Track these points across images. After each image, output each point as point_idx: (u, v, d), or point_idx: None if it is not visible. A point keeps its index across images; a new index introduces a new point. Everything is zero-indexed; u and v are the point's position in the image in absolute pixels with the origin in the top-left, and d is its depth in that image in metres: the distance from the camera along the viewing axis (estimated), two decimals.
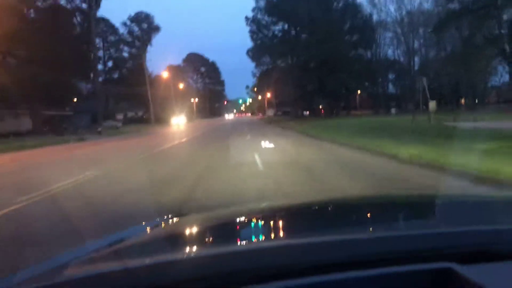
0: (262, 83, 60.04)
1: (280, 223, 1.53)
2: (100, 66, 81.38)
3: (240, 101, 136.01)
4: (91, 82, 44.91)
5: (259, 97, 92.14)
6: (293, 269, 0.88)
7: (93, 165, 10.76)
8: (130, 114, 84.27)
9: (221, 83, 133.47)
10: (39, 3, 35.89)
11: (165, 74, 73.89)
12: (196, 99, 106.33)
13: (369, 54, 54.61)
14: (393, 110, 54.26)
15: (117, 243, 1.32)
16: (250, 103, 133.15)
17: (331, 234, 1.14)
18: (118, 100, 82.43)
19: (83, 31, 44.08)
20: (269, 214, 1.72)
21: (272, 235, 1.34)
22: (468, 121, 19.36)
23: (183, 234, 1.45)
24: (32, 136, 32.90)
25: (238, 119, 75.59)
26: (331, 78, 39.72)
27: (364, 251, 0.95)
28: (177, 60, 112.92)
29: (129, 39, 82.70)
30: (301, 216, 1.65)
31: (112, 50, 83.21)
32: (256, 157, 10.22)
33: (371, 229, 1.29)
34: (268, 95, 76.36)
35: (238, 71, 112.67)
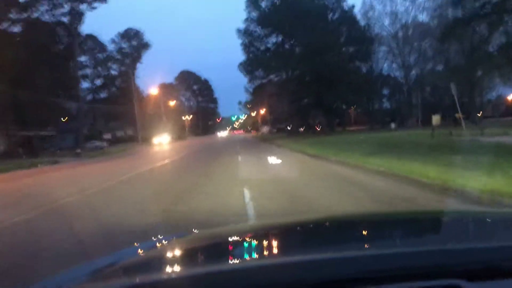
0: (255, 98, 57.49)
1: (282, 240, 1.48)
2: (87, 84, 79.04)
3: (234, 118, 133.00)
4: (73, 100, 41.71)
5: (253, 114, 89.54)
6: (300, 286, 0.89)
7: (16, 206, 7.71)
8: (120, 133, 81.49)
9: (214, 101, 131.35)
10: (12, 15, 33.11)
11: (155, 92, 71.32)
12: (189, 117, 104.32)
13: (364, 68, 52.23)
14: (392, 125, 51.69)
15: (118, 262, 1.32)
16: (243, 120, 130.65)
17: (336, 251, 1.14)
18: (108, 119, 79.85)
19: (65, 47, 41.22)
20: (269, 232, 1.65)
21: (273, 253, 1.30)
22: (498, 136, 16.49)
23: (185, 252, 1.41)
24: (1, 159, 29.70)
25: (231, 137, 72.73)
26: (329, 91, 36.81)
27: (370, 268, 0.94)
28: (170, 78, 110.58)
29: (118, 57, 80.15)
30: (305, 233, 1.60)
31: (100, 68, 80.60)
32: (246, 195, 7.08)
33: (377, 246, 1.25)
34: (262, 111, 73.83)
35: (232, 89, 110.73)
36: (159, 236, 1.70)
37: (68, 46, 41.16)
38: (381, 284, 0.88)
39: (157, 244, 1.63)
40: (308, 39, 37.74)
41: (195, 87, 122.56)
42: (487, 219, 1.67)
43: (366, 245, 1.28)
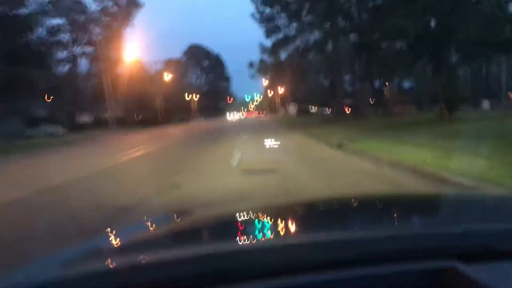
0: (276, 69, 39.92)
1: (280, 221, 1.48)
2: (65, 53, 63.21)
3: (248, 98, 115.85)
4: None
5: (270, 91, 72.11)
6: (299, 266, 0.90)
7: None
8: (107, 115, 65.78)
9: (227, 79, 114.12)
10: None
11: (155, 69, 55.60)
12: (196, 97, 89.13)
13: None
14: (485, 104, 34.00)
15: (112, 242, 1.34)
16: (259, 100, 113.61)
17: (334, 232, 1.15)
18: (97, 97, 64.35)
19: None
20: (267, 213, 1.64)
21: (270, 234, 1.29)
22: None
23: (185, 231, 1.43)
24: None
25: (243, 121, 56.32)
26: (456, 18, 16.70)
27: (367, 249, 0.96)
28: (179, 54, 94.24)
29: (102, 18, 63.83)
30: (304, 214, 1.61)
31: (81, 34, 64.52)
32: None
33: (374, 227, 1.25)
34: (281, 88, 56.56)
35: (247, 71, 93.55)
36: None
37: None
38: (378, 265, 0.89)
39: (152, 223, 1.60)
40: None
41: (204, 63, 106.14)
42: (483, 202, 1.67)
43: (360, 228, 1.27)
